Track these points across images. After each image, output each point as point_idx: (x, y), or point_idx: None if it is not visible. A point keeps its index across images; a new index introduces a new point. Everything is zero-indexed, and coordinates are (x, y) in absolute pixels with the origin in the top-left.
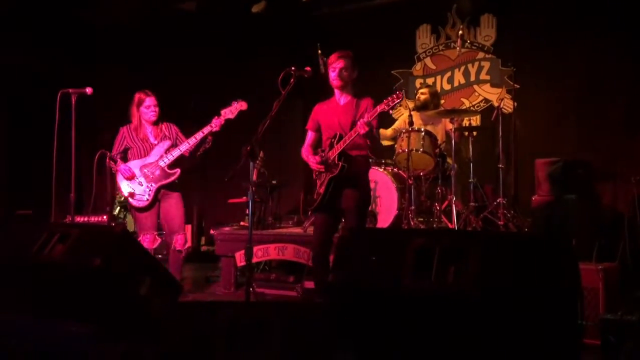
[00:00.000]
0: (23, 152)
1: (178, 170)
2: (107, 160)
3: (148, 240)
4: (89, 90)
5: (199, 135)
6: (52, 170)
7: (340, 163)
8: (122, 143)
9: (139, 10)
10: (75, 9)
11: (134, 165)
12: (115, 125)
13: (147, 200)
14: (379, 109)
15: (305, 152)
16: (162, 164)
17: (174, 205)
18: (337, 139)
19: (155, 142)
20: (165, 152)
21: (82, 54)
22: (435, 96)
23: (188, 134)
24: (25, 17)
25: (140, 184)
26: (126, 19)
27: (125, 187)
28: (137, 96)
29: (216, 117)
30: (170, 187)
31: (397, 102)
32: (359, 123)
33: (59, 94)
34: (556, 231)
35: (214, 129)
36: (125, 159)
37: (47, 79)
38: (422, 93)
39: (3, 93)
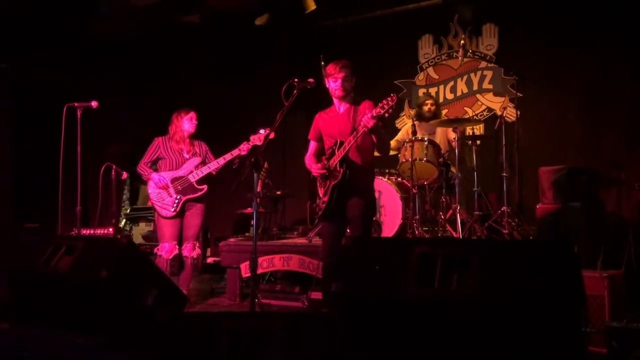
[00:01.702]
0: (29, 165)
1: (205, 187)
2: (113, 172)
3: (166, 250)
4: (94, 104)
5: (228, 157)
6: (59, 184)
7: (341, 170)
8: (155, 153)
9: (144, 23)
10: (80, 22)
11: (166, 175)
12: (121, 138)
13: (174, 211)
14: (374, 112)
15: (308, 161)
16: (191, 178)
17: (194, 215)
18: (338, 146)
19: (187, 157)
20: (195, 168)
21: (87, 67)
22: (438, 106)
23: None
24: (30, 31)
25: (170, 194)
26: (131, 31)
27: (154, 194)
28: (179, 111)
29: (245, 142)
30: (196, 199)
31: (392, 105)
32: (364, 119)
33: (64, 108)
34: (562, 239)
35: (242, 153)
36: (154, 169)
37: (53, 92)
38: (431, 104)
39: (10, 107)
